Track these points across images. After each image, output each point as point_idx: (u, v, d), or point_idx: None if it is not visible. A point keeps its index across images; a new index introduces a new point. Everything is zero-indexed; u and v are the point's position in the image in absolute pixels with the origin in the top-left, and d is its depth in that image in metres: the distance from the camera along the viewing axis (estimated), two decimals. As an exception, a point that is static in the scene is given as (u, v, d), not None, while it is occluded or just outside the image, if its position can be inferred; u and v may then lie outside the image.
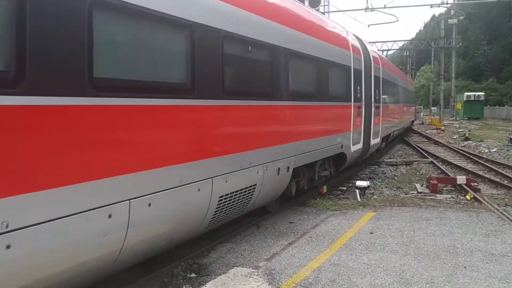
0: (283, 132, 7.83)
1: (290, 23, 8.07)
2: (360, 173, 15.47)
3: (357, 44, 12.59)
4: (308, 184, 9.92)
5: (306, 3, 21.75)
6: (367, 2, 27.95)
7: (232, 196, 6.35)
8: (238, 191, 6.47)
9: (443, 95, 51.09)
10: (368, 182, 12.18)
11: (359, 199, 10.81)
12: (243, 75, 6.71)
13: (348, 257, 6.39)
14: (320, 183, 10.95)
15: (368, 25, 47.82)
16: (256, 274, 5.47)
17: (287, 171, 7.94)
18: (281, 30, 7.64)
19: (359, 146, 12.48)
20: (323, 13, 24.05)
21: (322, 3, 23.27)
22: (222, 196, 6.05)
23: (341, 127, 10.97)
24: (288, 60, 7.77)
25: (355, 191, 11.22)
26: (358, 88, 12.12)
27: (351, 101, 11.46)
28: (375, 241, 7.20)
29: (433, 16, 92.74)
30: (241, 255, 6.74)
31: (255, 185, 6.95)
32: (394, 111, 21.13)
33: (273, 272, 5.76)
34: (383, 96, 16.18)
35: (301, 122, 8.59)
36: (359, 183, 11.67)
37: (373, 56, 14.58)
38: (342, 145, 10.84)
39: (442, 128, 37.26)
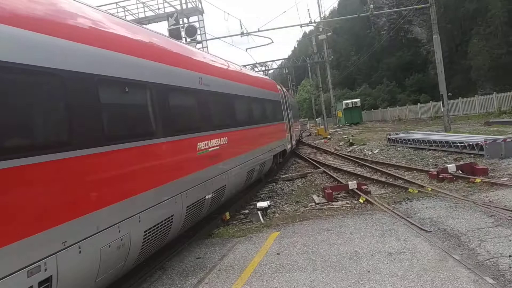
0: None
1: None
2: (260, 193, 15.68)
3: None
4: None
5: (183, 33, 21.90)
6: (241, 27, 28.69)
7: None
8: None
9: (325, 105, 54.16)
10: (268, 201, 12.34)
11: (262, 220, 10.90)
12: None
13: (259, 284, 6.36)
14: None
15: (246, 49, 49.12)
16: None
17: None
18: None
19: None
20: (200, 42, 24.33)
21: (198, 32, 23.50)
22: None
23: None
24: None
25: (257, 213, 11.30)
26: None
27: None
28: (283, 261, 7.27)
29: (305, 33, 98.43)
30: (150, 304, 6.39)
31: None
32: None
33: (186, 316, 5.52)
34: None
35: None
36: (260, 204, 11.78)
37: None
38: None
39: (328, 136, 39.35)
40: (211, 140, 9.33)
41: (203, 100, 9.37)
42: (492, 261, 6.08)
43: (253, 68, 31.11)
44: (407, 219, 8.86)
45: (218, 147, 9.70)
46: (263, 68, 45.73)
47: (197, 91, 9.08)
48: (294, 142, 24.99)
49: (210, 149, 9.17)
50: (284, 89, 25.23)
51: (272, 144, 16.69)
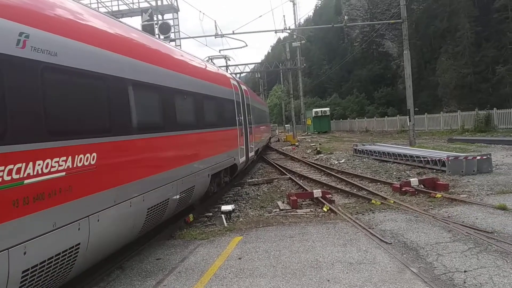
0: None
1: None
2: (225, 196, 15.62)
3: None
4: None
5: (156, 30, 21.67)
6: (216, 28, 28.60)
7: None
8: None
9: (294, 112, 54.62)
10: (233, 205, 12.28)
11: (225, 224, 10.83)
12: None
13: (219, 288, 6.30)
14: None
15: (219, 50, 49.12)
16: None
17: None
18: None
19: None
20: (173, 40, 24.10)
21: (172, 30, 23.29)
22: None
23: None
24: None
25: (221, 216, 11.22)
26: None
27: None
28: (244, 266, 7.24)
29: (279, 39, 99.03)
30: (106, 304, 6.23)
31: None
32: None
33: (142, 318, 5.41)
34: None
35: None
36: (224, 207, 11.71)
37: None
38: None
39: (296, 143, 39.64)
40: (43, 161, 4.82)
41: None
42: (448, 275, 6.21)
43: (211, 60, 26.20)
44: (369, 230, 8.98)
45: (62, 173, 5.13)
46: (237, 71, 45.58)
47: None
48: (253, 154, 19.33)
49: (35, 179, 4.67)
50: (245, 87, 20.77)
51: (211, 159, 11.76)
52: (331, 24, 35.32)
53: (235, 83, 17.02)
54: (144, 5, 23.88)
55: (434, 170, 16.33)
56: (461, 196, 11.98)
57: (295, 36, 47.05)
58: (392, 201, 11.82)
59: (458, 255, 6.99)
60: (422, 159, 17.62)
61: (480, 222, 9.02)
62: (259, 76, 66.33)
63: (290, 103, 57.26)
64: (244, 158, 16.45)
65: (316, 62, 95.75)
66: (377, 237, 8.39)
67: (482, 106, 38.08)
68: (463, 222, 9.09)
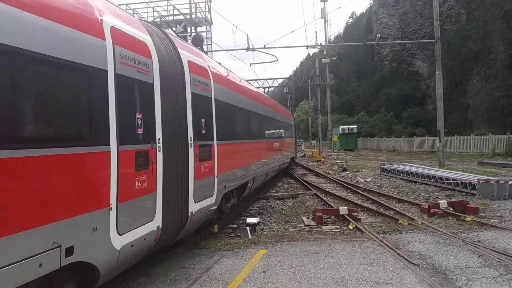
0: None
1: None
2: (250, 208, 15.63)
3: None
4: None
5: (189, 41, 21.96)
6: (248, 42, 28.90)
7: None
8: None
9: (321, 128, 54.44)
10: (258, 218, 12.30)
11: (250, 236, 10.84)
12: None
13: (244, 300, 6.29)
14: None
15: (250, 64, 49.77)
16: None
17: None
18: None
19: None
20: (206, 52, 24.39)
21: (205, 42, 23.61)
22: None
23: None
24: None
25: (246, 228, 11.25)
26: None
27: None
28: (268, 279, 7.21)
29: (308, 55, 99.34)
30: (131, 309, 6.29)
31: None
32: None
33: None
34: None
35: None
36: (249, 220, 11.75)
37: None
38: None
39: (322, 160, 39.43)
40: None
41: None
42: (478, 301, 6.06)
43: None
44: (396, 250, 8.83)
45: None
46: (266, 85, 45.73)
47: None
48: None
49: None
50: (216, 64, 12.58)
51: None
52: (362, 41, 35.24)
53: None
54: (179, 17, 24.32)
55: (464, 193, 15.98)
56: (492, 220, 11.68)
57: (325, 53, 47.07)
58: (420, 222, 11.61)
59: (489, 281, 6.81)
60: (451, 181, 17.29)
61: (512, 248, 8.77)
62: (287, 91, 66.47)
63: (317, 119, 57.11)
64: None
65: (345, 79, 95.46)
66: (404, 257, 8.25)
67: (514, 130, 37.22)
68: (494, 247, 8.85)
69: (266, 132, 19.48)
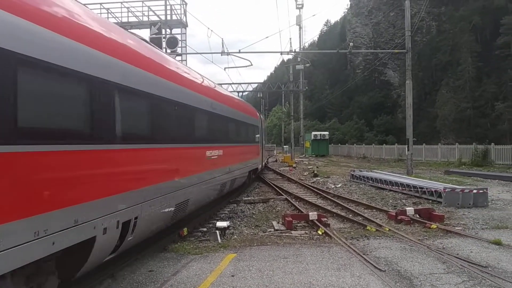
0: None
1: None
2: (220, 212, 15.57)
3: None
4: None
5: (164, 43, 21.88)
6: (223, 46, 28.91)
7: None
8: None
9: (294, 134, 54.75)
10: (228, 222, 12.27)
11: (219, 240, 10.79)
12: None
13: (211, 304, 6.26)
14: None
15: (225, 68, 49.75)
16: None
17: None
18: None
19: None
20: (179, 54, 24.32)
21: (179, 45, 23.53)
22: None
23: None
24: None
25: (216, 232, 11.19)
26: None
27: None
28: (236, 284, 7.20)
29: (283, 61, 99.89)
30: (96, 312, 6.18)
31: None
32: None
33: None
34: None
35: None
36: (219, 223, 11.69)
37: None
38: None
39: (294, 165, 39.58)
40: None
41: None
42: (441, 306, 6.20)
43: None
44: (363, 256, 8.96)
45: None
46: (240, 89, 45.74)
47: None
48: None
49: None
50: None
51: None
52: (335, 49, 35.70)
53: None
54: (154, 18, 24.17)
55: (430, 201, 16.34)
56: (456, 228, 11.97)
57: (299, 59, 47.45)
58: (387, 229, 11.81)
59: (452, 287, 6.98)
60: (418, 189, 17.65)
61: (475, 255, 9.01)
62: (261, 95, 66.63)
63: (290, 124, 57.45)
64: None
65: (318, 86, 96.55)
66: (371, 263, 8.37)
67: (480, 141, 38.24)
68: (457, 254, 9.08)
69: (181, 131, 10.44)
